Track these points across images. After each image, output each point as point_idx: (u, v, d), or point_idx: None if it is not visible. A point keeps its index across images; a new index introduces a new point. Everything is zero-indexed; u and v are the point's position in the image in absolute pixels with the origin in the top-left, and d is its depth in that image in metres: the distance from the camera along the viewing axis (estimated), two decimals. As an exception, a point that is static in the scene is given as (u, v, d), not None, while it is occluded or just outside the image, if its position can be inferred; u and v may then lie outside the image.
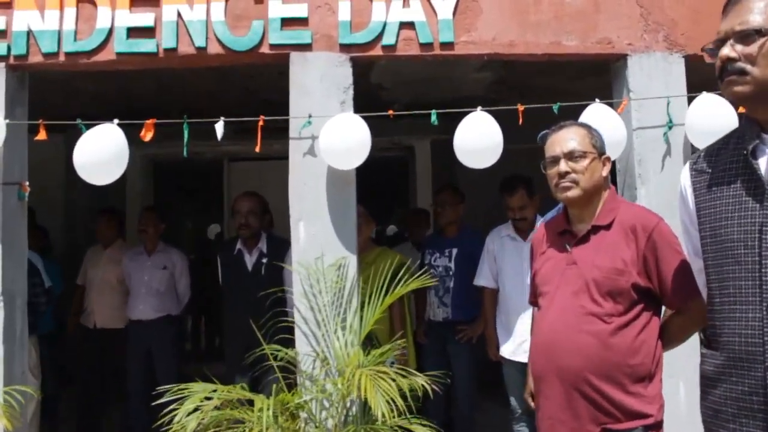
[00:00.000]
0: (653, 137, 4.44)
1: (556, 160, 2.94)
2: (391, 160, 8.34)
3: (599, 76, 6.13)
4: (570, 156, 2.91)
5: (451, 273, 5.41)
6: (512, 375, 5.01)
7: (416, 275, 4.41)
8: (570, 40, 4.52)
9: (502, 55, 4.59)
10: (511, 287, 4.94)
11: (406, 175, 8.33)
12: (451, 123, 8.00)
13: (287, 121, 4.39)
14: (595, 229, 2.90)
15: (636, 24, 4.53)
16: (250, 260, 5.18)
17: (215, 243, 10.77)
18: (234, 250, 5.24)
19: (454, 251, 5.47)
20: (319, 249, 4.23)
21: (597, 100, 4.41)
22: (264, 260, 5.12)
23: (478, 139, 4.28)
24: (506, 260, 5.03)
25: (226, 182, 8.20)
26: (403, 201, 8.15)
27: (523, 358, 4.87)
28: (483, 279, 5.18)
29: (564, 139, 2.96)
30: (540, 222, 3.93)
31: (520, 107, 4.46)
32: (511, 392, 5.04)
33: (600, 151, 2.98)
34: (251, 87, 6.91)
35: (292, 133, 4.35)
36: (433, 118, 4.61)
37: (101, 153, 4.11)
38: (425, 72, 6.96)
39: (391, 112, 4.64)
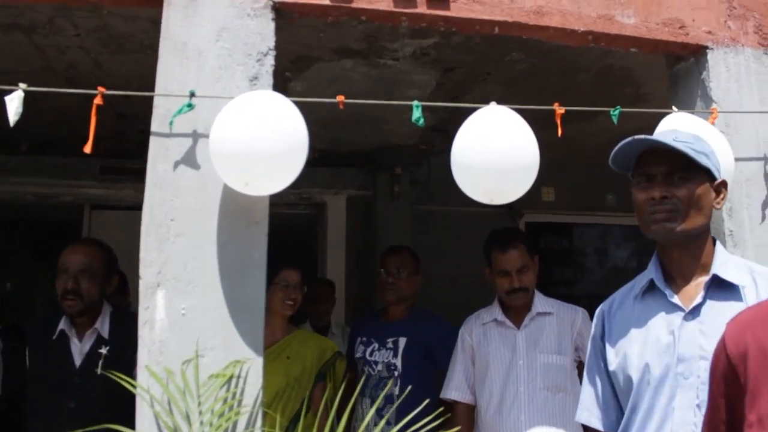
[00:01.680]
0: (748, 174, 2.52)
1: None
2: (296, 218, 6.19)
3: (584, 122, 4.40)
4: None
5: (396, 374, 3.27)
6: None
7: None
8: (626, 16, 2.56)
9: (524, 28, 2.58)
10: (500, 399, 2.92)
11: (313, 238, 6.18)
12: (371, 176, 6.03)
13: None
14: None
15: (716, 4, 2.64)
16: (79, 350, 2.81)
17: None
18: (54, 332, 2.85)
19: (402, 342, 3.33)
20: (192, 343, 2.03)
21: (674, 108, 2.47)
22: (103, 350, 2.76)
23: (497, 152, 2.22)
24: (492, 357, 2.98)
25: (87, 234, 5.82)
26: (310, 270, 6.01)
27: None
28: (454, 390, 3.07)
29: None
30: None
31: (559, 109, 2.45)
32: None
33: None
34: (126, 111, 4.72)
35: (156, 124, 2.16)
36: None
37: None
38: (348, 111, 4.97)
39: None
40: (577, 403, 2.00)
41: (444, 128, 5.39)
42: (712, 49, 2.58)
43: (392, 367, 3.27)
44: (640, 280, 1.91)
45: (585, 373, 1.98)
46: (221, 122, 1.98)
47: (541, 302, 3.01)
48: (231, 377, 1.96)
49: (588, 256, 6.24)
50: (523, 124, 2.21)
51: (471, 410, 3.05)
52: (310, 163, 5.88)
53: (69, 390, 2.74)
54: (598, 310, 1.98)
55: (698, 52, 2.63)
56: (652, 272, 1.88)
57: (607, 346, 1.89)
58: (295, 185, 6.80)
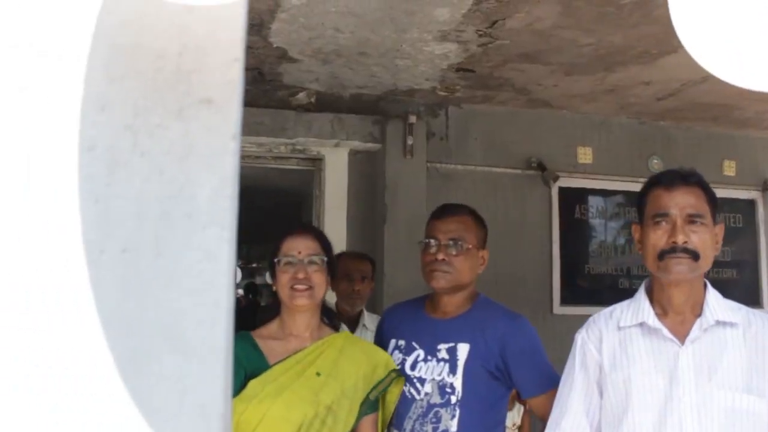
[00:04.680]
0: None
1: None
2: (287, 174, 4.84)
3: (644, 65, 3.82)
4: None
5: (454, 401, 1.96)
6: None
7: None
8: None
9: None
10: None
11: (308, 199, 4.85)
12: (380, 125, 4.67)
13: None
14: None
15: None
16: None
17: None
18: None
19: (462, 350, 1.99)
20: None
21: None
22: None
23: None
24: (636, 386, 1.64)
25: None
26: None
27: None
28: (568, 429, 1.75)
29: None
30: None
31: None
32: None
33: None
34: None
35: None
36: None
37: None
38: (355, 39, 3.66)
39: None
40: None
41: (471, 68, 4.08)
42: None
43: (448, 389, 1.95)
44: None
45: None
46: None
47: (719, 305, 1.68)
48: None
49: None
50: None
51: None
52: (306, 109, 4.57)
53: None
54: None
55: None
56: None
57: None
58: (285, 134, 4.87)
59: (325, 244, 1.92)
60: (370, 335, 3.30)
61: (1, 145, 0.61)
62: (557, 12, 3.35)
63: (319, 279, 1.88)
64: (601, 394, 1.71)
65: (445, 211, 2.15)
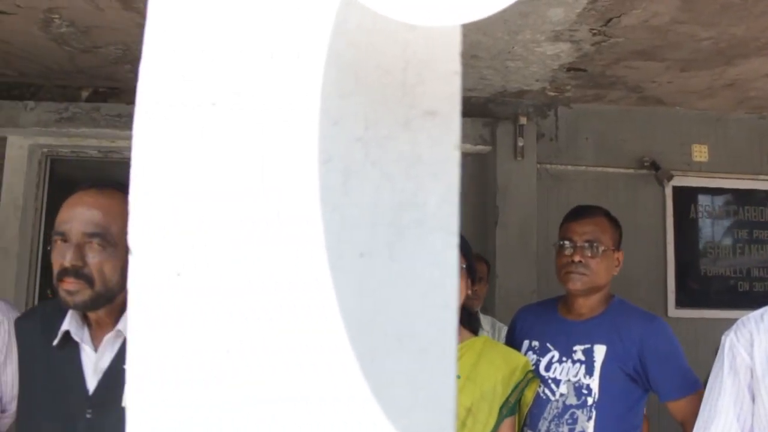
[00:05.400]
0: None
1: None
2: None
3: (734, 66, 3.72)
4: None
5: (591, 402, 1.94)
6: None
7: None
8: None
9: None
10: None
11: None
12: (490, 128, 4.65)
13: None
14: None
15: None
16: (92, 363, 1.53)
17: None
18: (55, 333, 1.56)
19: (599, 351, 1.97)
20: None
21: None
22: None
23: None
24: None
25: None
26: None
27: None
28: None
29: None
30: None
31: None
32: None
33: None
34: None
35: None
36: None
37: None
38: (466, 42, 3.66)
39: None
40: None
41: (583, 67, 4.01)
42: None
43: (584, 391, 1.94)
44: None
45: None
46: None
47: None
48: None
49: (752, 229, 4.72)
50: None
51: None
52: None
53: (74, 429, 1.51)
54: None
55: None
56: None
57: None
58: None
59: (464, 250, 1.92)
60: (484, 335, 3.31)
61: (253, 162, 0.67)
62: (676, 6, 3.25)
63: (462, 283, 1.88)
64: (753, 399, 1.65)
65: (580, 213, 2.13)
